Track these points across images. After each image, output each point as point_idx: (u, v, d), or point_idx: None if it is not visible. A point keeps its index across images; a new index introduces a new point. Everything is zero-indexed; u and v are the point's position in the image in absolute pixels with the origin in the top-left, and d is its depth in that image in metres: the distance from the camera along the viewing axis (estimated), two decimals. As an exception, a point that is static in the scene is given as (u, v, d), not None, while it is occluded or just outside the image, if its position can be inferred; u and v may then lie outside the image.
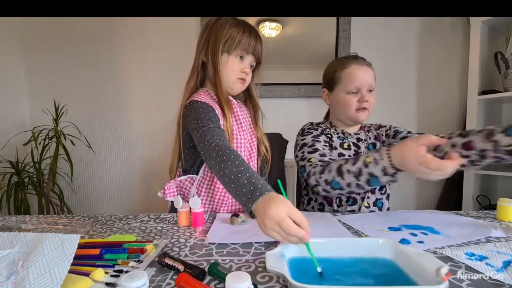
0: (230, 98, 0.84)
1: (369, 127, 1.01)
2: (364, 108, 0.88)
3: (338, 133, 0.95)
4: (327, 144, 0.91)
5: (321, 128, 0.96)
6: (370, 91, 0.89)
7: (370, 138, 0.97)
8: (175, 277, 0.42)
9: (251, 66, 0.84)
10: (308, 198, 0.97)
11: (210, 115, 0.74)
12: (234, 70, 0.80)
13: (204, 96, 0.79)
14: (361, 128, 0.98)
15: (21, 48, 1.77)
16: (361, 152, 0.92)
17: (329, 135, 0.94)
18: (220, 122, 0.76)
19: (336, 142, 0.93)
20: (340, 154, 0.91)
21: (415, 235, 0.58)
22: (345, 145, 0.92)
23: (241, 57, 0.80)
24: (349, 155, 0.91)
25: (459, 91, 1.71)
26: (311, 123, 1.00)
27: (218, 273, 0.42)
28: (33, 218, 0.76)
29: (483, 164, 0.69)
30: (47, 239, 0.43)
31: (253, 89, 0.91)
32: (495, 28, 1.54)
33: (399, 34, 1.71)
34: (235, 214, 0.69)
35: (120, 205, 1.88)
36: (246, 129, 0.85)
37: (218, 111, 0.77)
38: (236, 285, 0.33)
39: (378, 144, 0.97)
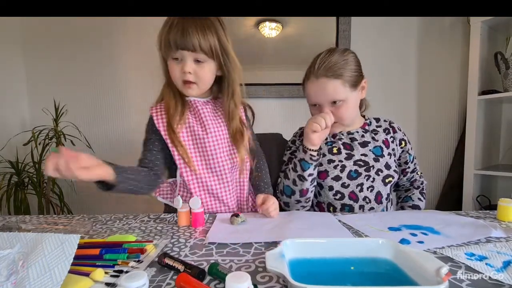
0: (197, 99, 0.80)
1: (377, 127, 0.92)
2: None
3: (326, 138, 0.89)
4: None
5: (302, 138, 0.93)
6: (335, 102, 0.82)
7: (376, 141, 0.89)
8: (175, 277, 0.42)
9: (197, 60, 0.73)
10: None
11: (146, 139, 0.85)
12: (176, 75, 0.75)
13: (155, 110, 0.79)
14: (363, 126, 0.91)
15: (21, 48, 1.77)
16: (354, 155, 0.86)
17: None
18: (162, 133, 0.77)
19: (324, 148, 0.88)
20: (330, 161, 0.86)
21: (415, 235, 0.58)
22: (334, 150, 0.87)
23: (176, 58, 0.74)
24: (340, 160, 0.86)
25: (459, 91, 1.71)
26: (297, 132, 0.99)
27: (218, 273, 0.42)
28: (33, 218, 0.76)
29: None
30: (47, 239, 0.43)
31: (230, 86, 0.79)
32: (495, 28, 1.54)
33: (399, 34, 1.71)
34: (235, 214, 0.69)
35: (120, 205, 1.87)
36: (216, 130, 0.79)
37: (161, 124, 0.77)
38: (236, 285, 0.33)
39: (385, 149, 0.88)
